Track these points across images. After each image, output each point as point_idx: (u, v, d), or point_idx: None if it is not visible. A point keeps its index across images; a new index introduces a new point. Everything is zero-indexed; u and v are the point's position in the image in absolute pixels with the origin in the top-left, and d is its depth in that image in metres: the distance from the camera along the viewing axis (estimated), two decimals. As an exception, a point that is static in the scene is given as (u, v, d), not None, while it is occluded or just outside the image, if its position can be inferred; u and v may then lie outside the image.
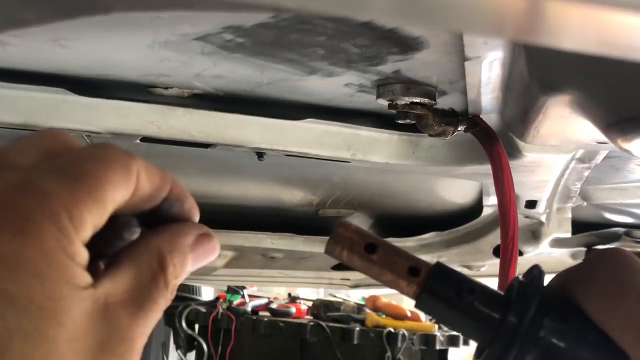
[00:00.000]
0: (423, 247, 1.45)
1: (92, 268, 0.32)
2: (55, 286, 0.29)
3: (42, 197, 0.30)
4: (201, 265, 0.37)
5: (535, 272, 0.36)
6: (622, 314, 0.33)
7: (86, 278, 0.31)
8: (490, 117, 0.78)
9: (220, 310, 2.48)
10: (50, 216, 0.30)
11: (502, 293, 0.36)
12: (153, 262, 0.34)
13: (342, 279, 1.89)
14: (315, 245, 1.44)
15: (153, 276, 0.34)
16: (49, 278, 0.29)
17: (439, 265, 0.36)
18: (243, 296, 2.74)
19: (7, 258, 0.28)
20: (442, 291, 0.36)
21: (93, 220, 0.31)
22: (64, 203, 0.30)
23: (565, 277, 0.36)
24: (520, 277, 0.37)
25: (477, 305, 0.35)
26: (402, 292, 0.36)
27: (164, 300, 0.34)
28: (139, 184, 0.33)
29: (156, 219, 0.36)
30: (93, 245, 0.32)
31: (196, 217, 0.38)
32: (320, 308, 2.65)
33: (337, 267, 1.69)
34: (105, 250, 0.34)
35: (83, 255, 0.31)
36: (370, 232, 0.37)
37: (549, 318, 0.34)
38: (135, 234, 0.34)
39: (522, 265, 1.01)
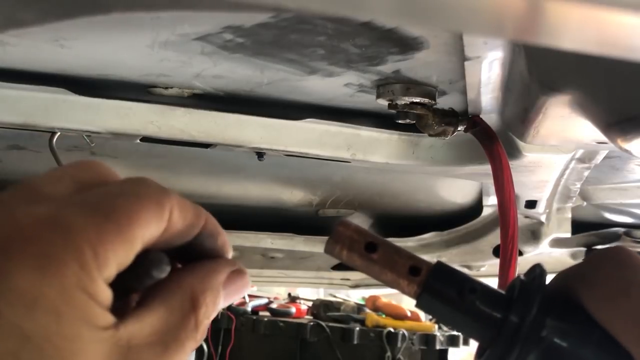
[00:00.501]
0: (423, 247, 1.45)
1: (121, 304, 0.31)
2: (72, 325, 0.28)
3: (67, 232, 0.29)
4: (232, 302, 0.36)
5: (537, 271, 0.36)
6: (625, 313, 0.33)
7: (107, 318, 0.30)
8: (490, 117, 0.78)
9: (220, 310, 2.48)
10: (73, 253, 0.29)
11: (503, 292, 0.36)
12: (185, 302, 0.33)
13: (342, 279, 1.89)
14: (315, 245, 1.44)
15: (183, 317, 0.32)
16: (67, 317, 0.28)
17: (439, 265, 0.36)
18: (243, 296, 2.74)
19: (24, 294, 0.28)
20: (443, 291, 0.35)
21: (118, 259, 0.30)
22: (90, 240, 0.29)
23: (567, 275, 0.36)
24: (522, 276, 0.37)
25: (479, 304, 0.35)
26: (402, 291, 0.36)
27: (193, 342, 0.33)
28: (171, 221, 0.32)
29: (188, 254, 0.35)
30: (121, 281, 0.31)
31: (229, 253, 0.38)
32: (320, 308, 2.65)
33: (337, 267, 1.69)
34: (134, 287, 0.33)
35: (105, 294, 0.30)
36: (371, 231, 0.37)
37: (551, 317, 0.34)
38: (165, 272, 0.33)
39: (522, 265, 1.02)
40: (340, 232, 0.36)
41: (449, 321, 0.37)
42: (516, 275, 0.37)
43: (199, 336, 0.33)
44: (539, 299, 0.34)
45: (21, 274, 0.28)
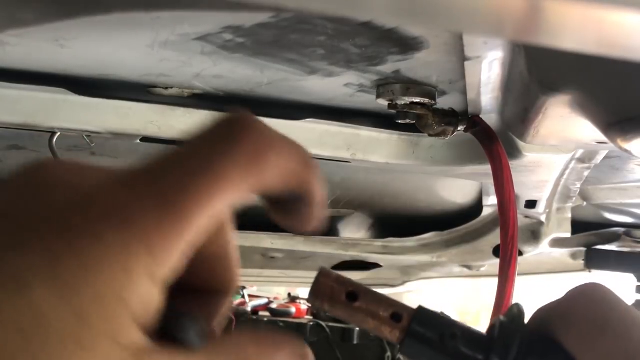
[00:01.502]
0: (423, 247, 1.45)
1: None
2: (89, 331, 0.23)
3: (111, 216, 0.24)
4: None
5: (515, 311, 0.37)
6: (602, 352, 0.33)
7: (135, 336, 0.24)
8: (490, 117, 0.78)
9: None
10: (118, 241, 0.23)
11: (484, 334, 0.37)
12: None
13: (342, 279, 1.89)
14: (315, 245, 1.44)
15: None
16: (87, 319, 0.23)
17: (421, 310, 0.37)
18: (243, 296, 2.74)
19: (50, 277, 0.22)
20: (425, 336, 0.36)
21: (175, 257, 0.25)
22: (144, 228, 0.24)
23: (546, 313, 0.36)
24: (502, 317, 0.37)
25: (461, 347, 0.36)
26: (386, 338, 0.37)
27: None
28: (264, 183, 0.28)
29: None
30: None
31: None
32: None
33: (338, 267, 1.69)
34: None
35: (143, 304, 0.24)
36: (351, 280, 0.37)
37: (531, 357, 0.35)
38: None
39: (522, 265, 1.02)
40: (321, 283, 0.36)
41: None
42: (498, 316, 0.38)
43: None
44: (518, 340, 0.35)
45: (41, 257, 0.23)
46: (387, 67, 0.67)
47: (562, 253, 1.48)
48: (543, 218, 1.17)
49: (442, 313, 0.37)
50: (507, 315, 0.37)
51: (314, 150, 0.87)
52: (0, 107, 0.78)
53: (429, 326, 0.36)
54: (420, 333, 0.36)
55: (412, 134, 0.88)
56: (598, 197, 1.18)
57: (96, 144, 0.94)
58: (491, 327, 0.37)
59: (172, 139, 0.83)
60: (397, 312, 0.36)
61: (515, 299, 0.75)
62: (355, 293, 0.36)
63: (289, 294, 2.97)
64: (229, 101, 0.82)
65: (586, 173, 0.94)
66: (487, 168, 0.78)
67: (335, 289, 0.36)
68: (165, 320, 0.25)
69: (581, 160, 0.88)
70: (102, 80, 0.78)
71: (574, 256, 1.51)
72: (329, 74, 0.70)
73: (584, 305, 0.35)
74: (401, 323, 0.36)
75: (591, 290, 0.35)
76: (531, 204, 1.06)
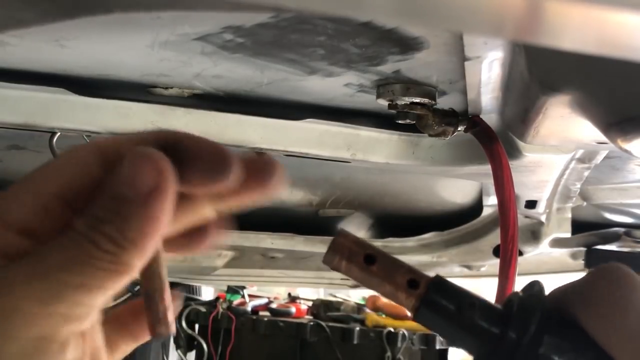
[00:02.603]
0: (423, 247, 1.45)
1: None
2: None
3: None
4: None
5: (536, 287, 0.36)
6: (622, 332, 0.33)
7: None
8: (490, 117, 0.78)
9: (220, 310, 2.48)
10: None
11: (501, 308, 0.36)
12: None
13: (342, 279, 1.89)
14: (315, 245, 1.44)
15: None
16: None
17: (438, 279, 0.36)
18: (243, 296, 2.74)
19: None
20: (442, 305, 0.35)
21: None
22: None
23: (564, 292, 0.36)
24: (520, 292, 0.37)
25: (477, 319, 0.35)
26: (401, 304, 0.36)
27: None
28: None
29: None
30: None
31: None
32: (320, 308, 2.65)
33: (337, 267, 1.69)
34: None
35: None
36: (369, 243, 0.37)
37: (549, 335, 0.34)
38: None
39: (522, 265, 1.02)
40: (339, 243, 0.36)
41: (447, 335, 0.37)
42: (513, 290, 0.37)
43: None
44: (537, 316, 0.34)
45: None
46: (387, 67, 0.67)
47: (562, 253, 1.48)
48: (543, 218, 1.17)
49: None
50: (525, 290, 0.37)
51: (314, 150, 0.87)
52: (0, 107, 0.78)
53: (446, 295, 0.36)
54: (437, 301, 0.35)
55: (412, 134, 0.88)
56: (598, 197, 1.18)
57: (96, 144, 0.93)
58: (508, 302, 0.36)
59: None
60: (414, 278, 0.36)
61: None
62: (373, 256, 0.36)
63: (289, 294, 2.97)
64: (229, 101, 0.82)
65: (586, 173, 0.94)
66: (487, 168, 0.78)
67: (353, 250, 0.36)
68: None
69: (581, 160, 0.88)
70: (102, 80, 0.77)
71: (574, 256, 1.51)
72: (329, 74, 0.70)
73: (605, 285, 0.34)
74: (418, 290, 0.35)
75: (612, 271, 0.35)
76: (531, 204, 1.06)
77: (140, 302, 0.35)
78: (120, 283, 0.32)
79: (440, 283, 0.36)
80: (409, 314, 0.36)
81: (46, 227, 0.32)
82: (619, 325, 0.33)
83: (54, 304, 0.30)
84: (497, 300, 0.75)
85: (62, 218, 0.32)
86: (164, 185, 0.32)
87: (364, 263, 0.36)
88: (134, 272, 0.32)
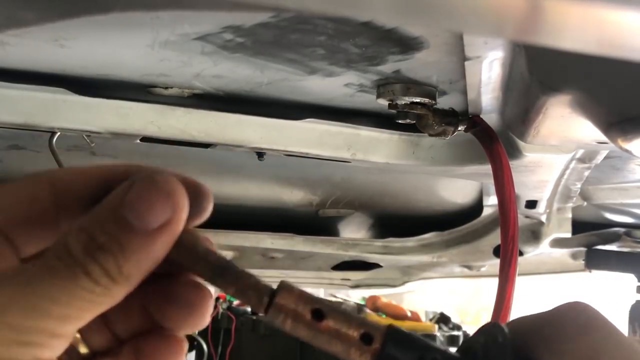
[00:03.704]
0: (423, 247, 1.45)
1: None
2: None
3: None
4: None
5: (499, 334, 0.33)
6: None
7: None
8: (491, 117, 0.78)
9: (220, 310, 2.48)
10: None
11: (458, 356, 0.33)
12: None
13: (342, 279, 1.89)
14: (315, 245, 1.44)
15: None
16: None
17: (393, 330, 0.33)
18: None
19: None
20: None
21: None
22: None
23: (528, 334, 0.33)
24: (481, 337, 0.33)
25: None
26: None
27: None
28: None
29: None
30: None
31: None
32: (321, 308, 2.64)
33: (338, 267, 1.69)
34: None
35: None
36: (316, 296, 0.33)
37: None
38: None
39: (523, 265, 1.01)
40: (283, 299, 0.32)
41: None
42: (470, 334, 0.34)
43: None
44: None
45: None
46: (387, 67, 0.67)
47: (563, 253, 1.48)
48: (543, 218, 1.17)
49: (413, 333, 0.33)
50: (484, 334, 0.33)
51: (314, 150, 0.87)
52: (0, 107, 0.78)
53: (404, 349, 0.32)
54: (394, 357, 0.32)
55: (412, 134, 0.88)
56: (598, 197, 1.18)
57: (96, 144, 0.94)
58: (468, 349, 0.33)
59: (172, 138, 0.83)
60: (367, 332, 0.32)
61: (515, 299, 0.75)
62: (322, 311, 0.32)
63: (289, 294, 2.96)
64: (229, 101, 0.82)
65: (586, 173, 0.93)
66: (487, 168, 0.78)
67: (299, 306, 0.32)
68: None
69: (581, 160, 0.88)
70: (102, 80, 0.77)
71: (574, 256, 1.51)
72: (329, 74, 0.70)
73: (572, 331, 0.32)
74: (372, 345, 0.32)
75: (581, 313, 0.32)
76: (531, 204, 1.06)
77: None
78: (94, 315, 0.30)
79: (396, 335, 0.32)
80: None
81: None
82: None
83: (30, 335, 0.28)
84: (496, 301, 0.75)
85: None
86: (176, 223, 0.30)
87: (311, 320, 0.32)
88: (112, 305, 0.30)
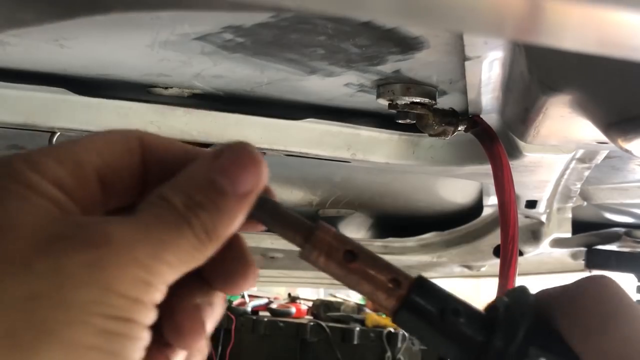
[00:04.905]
0: (423, 247, 1.45)
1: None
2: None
3: None
4: None
5: (523, 295, 0.35)
6: (602, 350, 0.32)
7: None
8: (491, 117, 0.78)
9: (221, 310, 2.48)
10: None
11: (485, 314, 0.34)
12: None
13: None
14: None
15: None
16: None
17: (421, 280, 0.34)
18: (243, 296, 2.74)
19: None
20: (424, 308, 0.33)
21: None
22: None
23: (550, 301, 0.35)
24: (505, 298, 0.35)
25: (460, 326, 0.33)
26: (380, 305, 0.34)
27: None
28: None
29: None
30: None
31: None
32: (320, 308, 2.65)
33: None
34: None
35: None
36: (351, 239, 0.35)
37: (534, 347, 0.33)
38: None
39: (522, 265, 1.02)
40: (318, 237, 0.34)
41: (426, 340, 0.35)
42: (500, 296, 0.35)
43: None
44: (525, 326, 0.33)
45: None
46: (387, 67, 0.66)
47: (563, 253, 1.48)
48: (543, 218, 1.17)
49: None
50: (510, 296, 0.35)
51: (314, 150, 0.87)
52: (0, 107, 0.78)
53: (429, 298, 0.34)
54: (419, 304, 0.33)
55: (412, 133, 0.88)
56: (598, 197, 1.18)
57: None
58: (493, 308, 0.34)
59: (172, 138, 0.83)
60: (396, 278, 0.34)
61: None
62: (354, 252, 0.34)
63: (289, 294, 2.97)
64: (229, 101, 0.82)
65: (587, 173, 0.93)
66: (487, 168, 0.78)
67: (333, 245, 0.34)
68: None
69: (582, 160, 0.88)
70: (102, 80, 0.77)
71: (574, 256, 1.51)
72: (329, 74, 0.69)
73: (585, 300, 0.34)
74: (399, 290, 0.33)
75: (599, 285, 0.34)
76: (531, 204, 1.06)
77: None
78: (182, 274, 0.31)
79: (423, 285, 0.34)
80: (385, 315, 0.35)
81: (77, 194, 0.31)
82: (600, 344, 0.32)
83: (151, 274, 0.29)
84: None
85: (91, 190, 0.32)
86: (257, 192, 0.32)
87: (343, 260, 0.34)
88: (197, 266, 0.31)
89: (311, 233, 0.34)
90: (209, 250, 0.31)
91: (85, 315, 0.27)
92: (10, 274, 0.27)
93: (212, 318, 0.34)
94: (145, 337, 0.29)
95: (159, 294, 0.30)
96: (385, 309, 0.34)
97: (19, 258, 0.27)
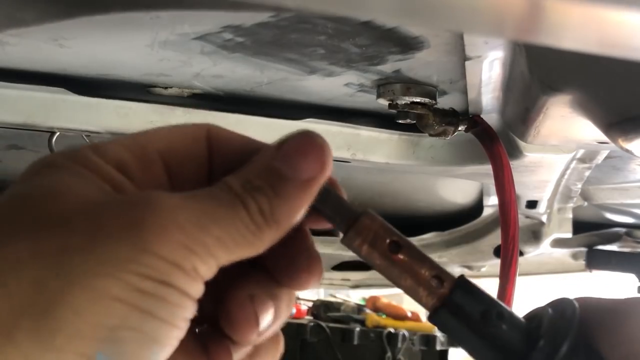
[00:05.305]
0: (423, 247, 1.45)
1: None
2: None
3: None
4: None
5: (569, 309, 0.33)
6: None
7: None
8: (491, 117, 0.78)
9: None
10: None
11: (526, 322, 0.33)
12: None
13: (342, 279, 1.89)
14: (315, 246, 1.44)
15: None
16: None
17: (464, 281, 0.33)
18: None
19: None
20: (465, 309, 0.32)
21: None
22: None
23: (592, 318, 0.34)
24: (550, 309, 0.34)
25: (502, 332, 0.32)
26: (419, 301, 0.33)
27: None
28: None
29: None
30: None
31: None
32: (321, 308, 2.65)
33: (338, 267, 1.69)
34: None
35: None
36: (395, 229, 0.34)
37: None
38: None
39: (523, 265, 1.02)
40: (364, 225, 0.33)
41: (463, 342, 0.34)
42: (544, 305, 0.34)
43: None
44: (568, 343, 0.32)
45: None
46: (388, 67, 0.66)
47: (563, 253, 1.47)
48: (544, 218, 1.17)
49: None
50: (554, 307, 0.34)
51: (314, 150, 0.86)
52: (0, 107, 0.78)
53: (472, 300, 0.33)
54: (461, 305, 0.32)
55: (412, 133, 0.88)
56: (599, 197, 1.18)
57: (96, 144, 0.93)
58: (534, 317, 0.34)
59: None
60: (439, 275, 0.33)
61: (516, 300, 0.75)
62: (400, 244, 0.33)
63: (289, 294, 2.96)
64: (229, 101, 0.82)
65: (587, 173, 0.93)
66: (487, 168, 0.78)
67: (378, 234, 0.33)
68: None
69: (582, 160, 0.88)
70: (102, 80, 0.77)
71: (575, 256, 1.50)
72: (329, 74, 0.69)
73: (631, 325, 0.32)
74: (441, 289, 0.33)
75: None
76: (532, 204, 1.06)
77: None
78: (238, 258, 0.30)
79: (466, 285, 0.33)
80: (415, 314, 0.34)
81: (139, 175, 0.32)
82: None
83: (195, 244, 0.29)
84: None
85: (155, 174, 0.32)
86: (321, 179, 0.32)
87: (387, 250, 0.33)
88: (255, 254, 0.31)
89: (356, 219, 0.33)
90: (266, 236, 0.30)
91: (118, 271, 0.27)
92: (46, 229, 0.28)
93: (272, 313, 0.34)
94: (188, 307, 0.29)
95: (204, 267, 0.29)
96: (425, 306, 0.33)
97: (57, 217, 0.28)
